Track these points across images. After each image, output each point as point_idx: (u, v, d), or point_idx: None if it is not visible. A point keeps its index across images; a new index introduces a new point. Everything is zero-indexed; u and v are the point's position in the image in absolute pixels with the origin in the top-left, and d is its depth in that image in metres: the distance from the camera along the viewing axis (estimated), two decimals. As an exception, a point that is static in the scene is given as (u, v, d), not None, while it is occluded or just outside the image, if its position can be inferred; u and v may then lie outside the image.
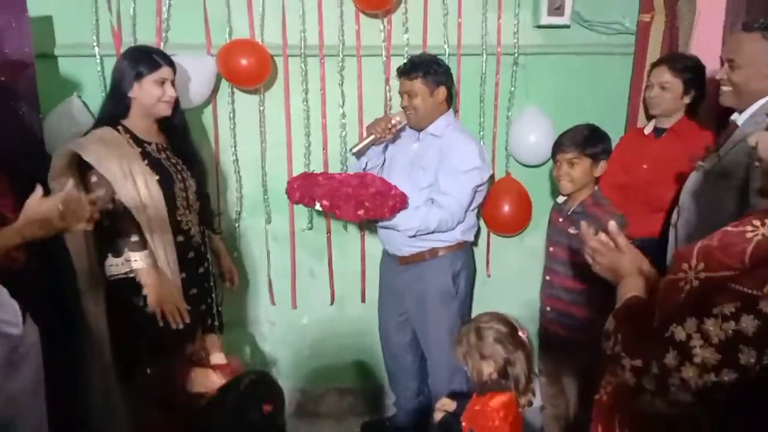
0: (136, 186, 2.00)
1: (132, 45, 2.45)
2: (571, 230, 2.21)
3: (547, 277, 2.36)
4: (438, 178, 2.30)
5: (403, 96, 2.37)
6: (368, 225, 2.71)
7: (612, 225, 1.37)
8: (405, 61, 2.46)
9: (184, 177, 2.16)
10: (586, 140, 2.23)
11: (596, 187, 2.28)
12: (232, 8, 2.51)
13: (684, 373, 0.97)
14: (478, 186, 2.34)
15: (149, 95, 2.06)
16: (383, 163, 2.53)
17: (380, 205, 2.21)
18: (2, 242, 1.57)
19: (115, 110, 2.10)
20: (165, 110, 2.11)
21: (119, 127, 2.07)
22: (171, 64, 2.11)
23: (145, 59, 2.06)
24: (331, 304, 2.88)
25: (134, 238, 2.00)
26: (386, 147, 2.51)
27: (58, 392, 1.99)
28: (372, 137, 2.38)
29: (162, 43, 2.48)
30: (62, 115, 2.39)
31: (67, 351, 2.21)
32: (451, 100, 2.42)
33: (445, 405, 1.98)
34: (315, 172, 2.59)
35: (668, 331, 1.00)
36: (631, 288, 1.26)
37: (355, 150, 2.43)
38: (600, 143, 2.25)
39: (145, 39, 2.47)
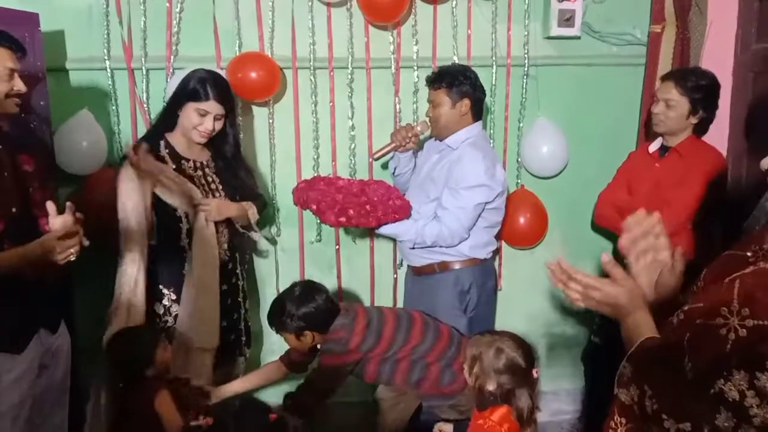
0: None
1: (142, 59, 2.47)
2: None
3: None
4: (443, 192, 2.29)
5: (429, 105, 2.37)
6: (377, 237, 2.70)
7: (606, 256, 1.25)
8: (423, 71, 2.45)
9: (214, 196, 2.19)
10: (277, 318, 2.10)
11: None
12: (241, 21, 2.52)
13: None
14: (484, 204, 2.27)
15: (188, 120, 2.12)
16: (413, 170, 2.52)
17: (366, 214, 2.19)
18: (9, 261, 1.65)
19: (164, 122, 2.18)
20: (198, 138, 2.16)
21: (161, 142, 2.15)
22: (223, 101, 2.12)
23: (198, 86, 2.09)
24: (340, 317, 2.85)
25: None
26: (416, 154, 2.50)
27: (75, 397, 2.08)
28: (392, 144, 2.39)
29: (172, 57, 2.49)
30: (72, 128, 2.40)
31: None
32: (479, 113, 2.37)
33: (444, 427, 1.95)
34: (326, 175, 2.57)
35: (714, 387, 0.91)
36: (642, 327, 1.16)
37: (375, 156, 2.44)
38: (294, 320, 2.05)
39: (155, 52, 2.49)
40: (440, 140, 2.38)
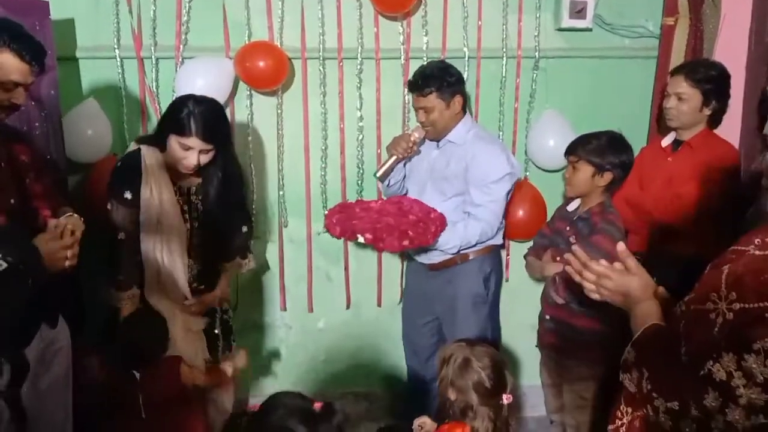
0: (157, 222, 2.01)
1: (152, 48, 2.47)
2: (572, 239, 2.16)
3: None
4: (469, 190, 2.28)
5: (418, 111, 2.32)
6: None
7: (620, 246, 1.28)
8: (414, 75, 2.32)
9: (194, 225, 2.10)
10: (594, 148, 2.14)
11: (606, 197, 2.18)
12: (251, 11, 2.52)
13: (729, 415, 0.90)
14: (509, 191, 2.33)
15: (173, 151, 1.97)
16: (404, 177, 2.50)
17: (423, 233, 2.17)
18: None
19: (157, 140, 2.02)
20: (183, 170, 2.01)
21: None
22: (209, 137, 1.93)
23: (184, 118, 1.91)
24: (347, 308, 2.86)
25: (120, 276, 2.02)
26: (406, 160, 2.47)
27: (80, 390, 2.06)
28: (394, 158, 2.35)
29: (182, 46, 2.49)
30: (78, 117, 2.42)
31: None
32: (466, 105, 2.36)
33: (425, 423, 1.88)
34: (351, 201, 2.56)
35: (704, 369, 0.93)
36: (649, 315, 1.18)
37: (379, 174, 2.40)
38: (609, 155, 2.12)
39: (165, 42, 2.49)
40: (438, 140, 2.37)
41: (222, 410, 2.32)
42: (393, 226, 2.17)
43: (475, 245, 2.32)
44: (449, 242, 2.27)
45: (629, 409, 1.22)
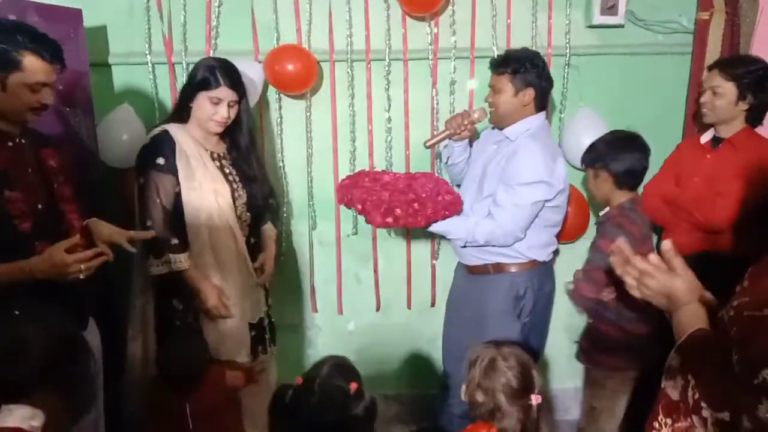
0: (201, 190, 2.08)
1: (182, 53, 2.51)
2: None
3: None
4: (498, 188, 2.17)
5: (490, 90, 2.26)
6: (414, 230, 2.68)
7: (666, 243, 1.21)
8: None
9: (234, 188, 2.16)
10: (598, 152, 2.17)
11: (627, 199, 2.15)
12: (279, 14, 2.52)
13: None
14: (543, 202, 2.15)
15: (201, 110, 2.07)
16: (467, 161, 2.44)
17: (414, 213, 2.09)
18: (10, 275, 1.61)
19: (178, 115, 2.14)
20: (215, 128, 2.10)
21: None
22: (235, 86, 2.07)
23: (208, 74, 2.04)
24: (377, 310, 2.85)
25: (174, 240, 2.05)
26: (471, 143, 2.41)
27: (111, 389, 2.08)
28: (446, 132, 2.28)
29: (211, 50, 2.51)
30: (113, 122, 2.45)
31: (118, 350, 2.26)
32: (543, 103, 2.25)
33: None
34: (373, 170, 2.53)
35: (758, 378, 0.89)
36: (695, 318, 1.13)
37: (428, 144, 2.33)
38: (608, 156, 2.13)
39: (195, 47, 2.52)
40: (499, 129, 2.28)
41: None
42: (383, 200, 2.12)
43: (484, 246, 2.21)
44: (454, 232, 2.20)
45: (668, 421, 1.17)
